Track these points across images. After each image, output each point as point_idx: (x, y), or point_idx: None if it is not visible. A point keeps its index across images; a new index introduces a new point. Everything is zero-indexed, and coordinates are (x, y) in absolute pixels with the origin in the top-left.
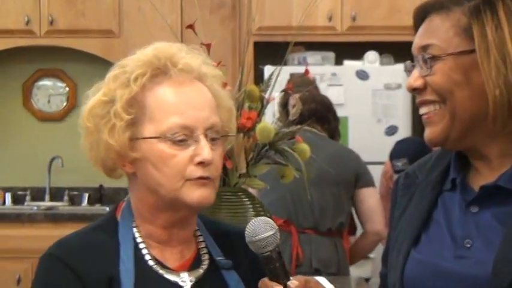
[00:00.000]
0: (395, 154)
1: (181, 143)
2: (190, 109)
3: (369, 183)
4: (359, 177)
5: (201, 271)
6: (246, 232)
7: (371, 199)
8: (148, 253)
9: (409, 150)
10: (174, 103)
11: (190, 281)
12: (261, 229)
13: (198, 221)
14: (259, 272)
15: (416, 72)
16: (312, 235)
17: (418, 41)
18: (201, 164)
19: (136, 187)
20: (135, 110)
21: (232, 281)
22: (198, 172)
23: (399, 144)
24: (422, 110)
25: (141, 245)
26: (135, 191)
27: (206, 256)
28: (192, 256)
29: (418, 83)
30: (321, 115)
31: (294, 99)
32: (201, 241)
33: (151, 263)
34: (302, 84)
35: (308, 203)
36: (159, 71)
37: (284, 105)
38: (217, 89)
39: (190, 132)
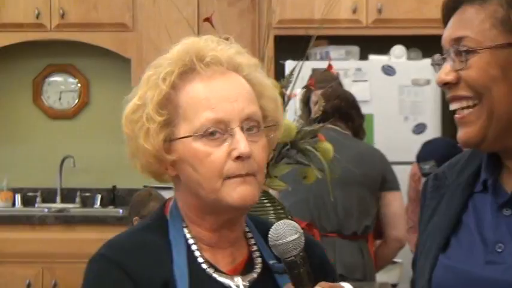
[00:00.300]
0: (422, 156)
1: (214, 137)
2: (223, 102)
3: (395, 186)
4: (385, 179)
5: (254, 275)
6: (269, 235)
7: (396, 203)
8: (200, 255)
9: (436, 152)
10: (205, 98)
11: (244, 285)
12: (285, 233)
13: (249, 222)
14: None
15: (448, 66)
16: (336, 239)
17: (449, 32)
18: (239, 158)
19: (181, 190)
20: (167, 111)
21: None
22: (237, 169)
23: (426, 146)
24: (454, 106)
25: (193, 247)
26: (180, 194)
27: (259, 259)
28: (244, 259)
29: (451, 77)
30: (344, 112)
31: (316, 95)
32: (253, 244)
33: (204, 266)
34: (325, 80)
35: (332, 205)
36: (187, 68)
37: (306, 102)
38: (259, 78)
39: (225, 126)
